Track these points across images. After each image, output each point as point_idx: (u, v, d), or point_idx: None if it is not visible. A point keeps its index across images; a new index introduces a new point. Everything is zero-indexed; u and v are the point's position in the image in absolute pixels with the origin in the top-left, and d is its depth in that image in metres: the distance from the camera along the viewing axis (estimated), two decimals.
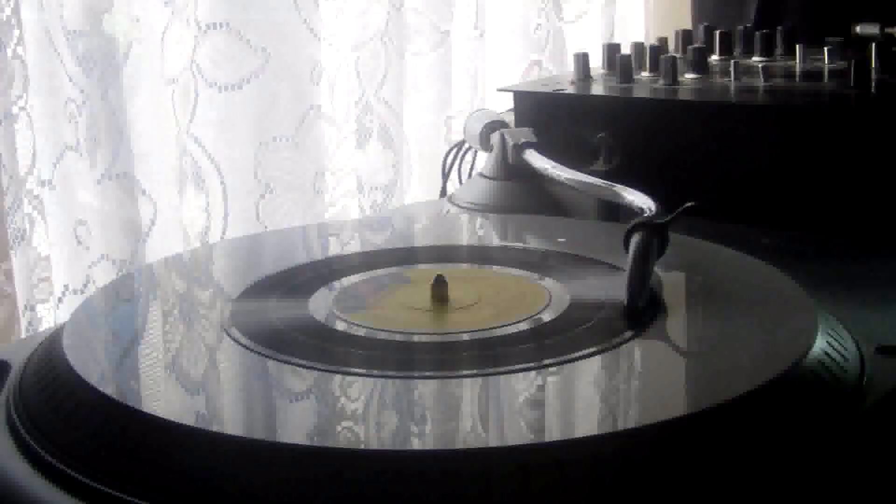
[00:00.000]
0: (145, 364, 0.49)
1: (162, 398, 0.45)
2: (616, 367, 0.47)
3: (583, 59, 0.88)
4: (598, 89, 0.85)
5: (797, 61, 0.89)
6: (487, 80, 1.22)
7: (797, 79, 0.85)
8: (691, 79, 0.85)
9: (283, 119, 0.99)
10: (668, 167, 0.77)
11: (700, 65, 0.86)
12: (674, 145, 0.77)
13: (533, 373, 0.45)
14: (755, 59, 0.92)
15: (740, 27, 0.99)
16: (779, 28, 0.96)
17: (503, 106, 0.87)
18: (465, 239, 0.71)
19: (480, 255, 0.63)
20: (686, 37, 0.99)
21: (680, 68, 0.84)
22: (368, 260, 0.60)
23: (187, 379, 0.47)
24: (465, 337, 0.49)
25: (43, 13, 0.83)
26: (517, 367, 0.45)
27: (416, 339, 0.50)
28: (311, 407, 0.44)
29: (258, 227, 0.98)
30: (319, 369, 0.46)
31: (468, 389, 0.45)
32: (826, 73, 0.84)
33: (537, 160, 0.75)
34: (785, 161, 0.72)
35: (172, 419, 0.41)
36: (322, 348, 0.48)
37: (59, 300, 0.86)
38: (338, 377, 0.45)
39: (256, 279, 0.57)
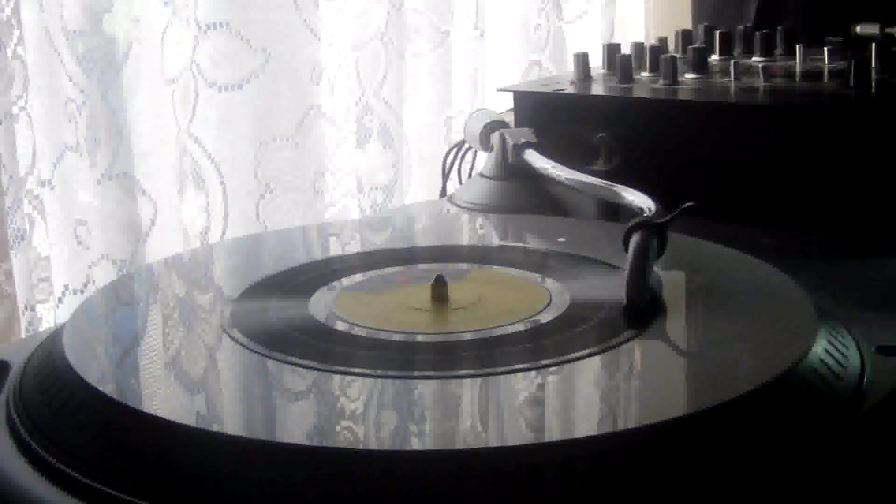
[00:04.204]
0: (145, 364, 0.49)
1: (162, 398, 0.45)
2: (616, 367, 0.47)
3: (583, 59, 0.88)
4: (598, 89, 0.85)
5: (797, 61, 0.89)
6: (487, 80, 1.22)
7: (797, 79, 0.85)
8: (691, 79, 0.85)
9: (283, 119, 0.99)
10: (668, 167, 0.77)
11: (700, 65, 0.86)
12: (674, 145, 0.77)
13: (533, 373, 0.45)
14: (755, 59, 0.92)
15: (740, 27, 0.99)
16: (779, 28, 0.96)
17: (503, 106, 0.87)
18: (465, 239, 0.71)
19: (480, 255, 0.63)
20: (686, 37, 0.99)
21: (680, 68, 0.84)
22: (368, 260, 0.60)
23: (187, 379, 0.47)
24: (465, 337, 0.49)
25: (43, 13, 0.83)
26: (517, 367, 0.45)
27: (416, 339, 0.50)
28: (310, 407, 0.44)
29: (258, 227, 0.98)
30: (319, 369, 0.46)
31: (468, 389, 0.45)
32: (826, 73, 0.84)
33: (537, 160, 0.75)
34: (785, 161, 0.72)
35: (172, 419, 0.41)
36: (322, 348, 0.48)
37: (59, 300, 0.86)
38: (338, 377, 0.45)
39: (256, 279, 0.57)
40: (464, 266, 0.60)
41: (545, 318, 0.51)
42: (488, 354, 0.47)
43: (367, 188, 1.11)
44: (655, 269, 0.54)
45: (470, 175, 0.93)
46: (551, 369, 0.45)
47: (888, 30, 0.93)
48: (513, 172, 0.78)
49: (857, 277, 0.61)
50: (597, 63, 0.91)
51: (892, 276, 0.61)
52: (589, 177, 0.71)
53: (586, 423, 0.43)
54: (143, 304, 0.58)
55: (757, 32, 0.94)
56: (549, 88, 0.85)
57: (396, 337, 0.49)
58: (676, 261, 0.57)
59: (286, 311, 0.53)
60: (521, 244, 0.67)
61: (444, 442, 0.41)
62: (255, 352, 0.47)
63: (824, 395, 0.44)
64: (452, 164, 0.93)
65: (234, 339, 0.49)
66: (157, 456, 0.40)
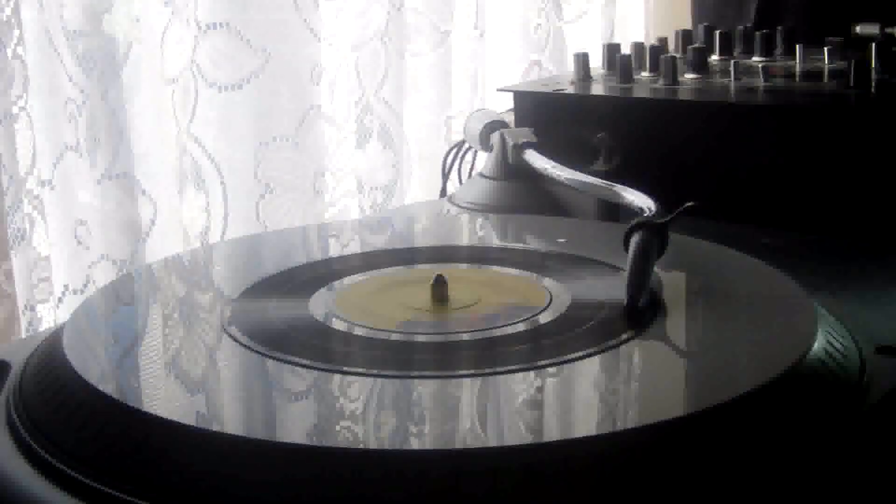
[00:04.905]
0: (145, 364, 0.49)
1: (162, 398, 0.45)
2: (616, 368, 0.47)
3: (583, 59, 0.88)
4: (598, 89, 0.85)
5: (797, 61, 0.89)
6: (487, 80, 1.22)
7: (797, 79, 0.85)
8: (691, 79, 0.85)
9: (283, 119, 0.99)
10: (668, 167, 0.77)
11: (700, 65, 0.86)
12: (674, 145, 0.77)
13: (533, 373, 0.45)
14: (755, 59, 0.93)
15: (740, 27, 0.99)
16: (779, 28, 0.96)
17: (503, 106, 0.87)
18: (465, 239, 0.71)
19: (480, 255, 0.63)
20: (686, 37, 0.99)
21: (680, 68, 0.85)
22: (368, 260, 0.60)
23: (187, 379, 0.47)
24: (465, 337, 0.49)
25: (43, 13, 0.83)
26: (517, 367, 0.45)
27: (415, 339, 0.50)
28: (310, 407, 0.44)
29: (258, 227, 0.98)
30: (319, 369, 0.46)
31: (468, 389, 0.45)
32: (826, 73, 0.84)
33: (537, 160, 0.75)
34: (785, 161, 0.73)
35: (172, 419, 0.41)
36: (322, 348, 0.48)
37: (59, 300, 0.86)
38: (337, 377, 0.45)
39: (256, 279, 0.57)
40: (464, 266, 0.60)
41: (545, 318, 0.51)
42: (488, 355, 0.47)
43: (367, 188, 1.11)
44: (655, 269, 0.54)
45: (470, 175, 0.93)
46: (551, 370, 0.45)
47: (888, 30, 0.93)
48: (513, 172, 0.78)
49: (857, 277, 0.61)
50: (597, 63, 0.91)
51: (892, 276, 0.61)
52: (589, 177, 0.71)
53: (587, 424, 0.43)
54: (143, 304, 0.58)
55: (757, 32, 0.94)
56: (549, 88, 0.85)
57: (396, 337, 0.49)
58: (676, 261, 0.57)
59: (286, 311, 0.52)
60: (521, 244, 0.67)
61: (444, 442, 0.41)
62: (255, 352, 0.47)
63: (824, 395, 0.44)
64: (452, 164, 0.93)
65: (233, 338, 0.49)
66: (157, 456, 0.40)
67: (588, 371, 0.46)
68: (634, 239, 0.54)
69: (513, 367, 0.45)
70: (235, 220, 0.97)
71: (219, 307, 0.54)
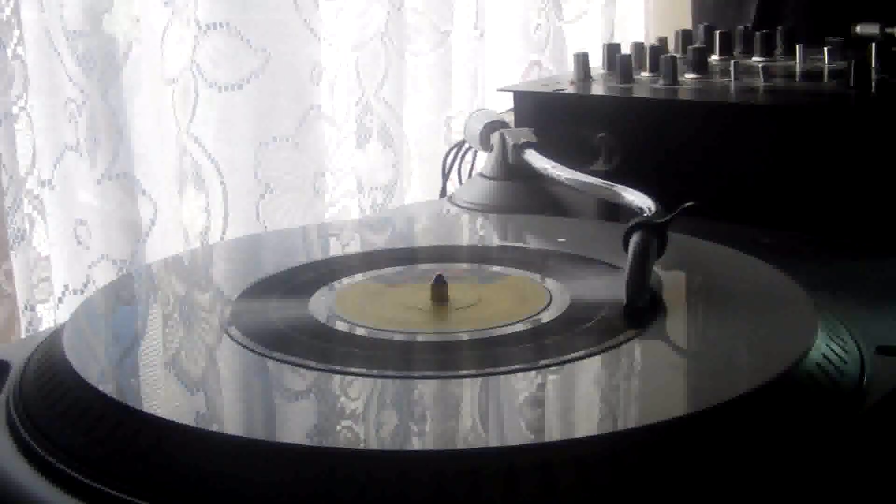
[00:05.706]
0: (145, 364, 0.49)
1: (162, 398, 0.45)
2: (616, 367, 0.47)
3: (583, 59, 0.88)
4: (598, 89, 0.85)
5: (797, 61, 0.89)
6: (487, 80, 1.22)
7: (797, 79, 0.85)
8: (691, 79, 0.85)
9: (283, 119, 0.99)
10: (668, 167, 0.77)
11: (700, 65, 0.86)
12: (674, 145, 0.77)
13: (533, 373, 0.45)
14: (755, 59, 0.92)
15: (740, 27, 0.99)
16: (779, 28, 0.96)
17: (503, 106, 0.87)
18: (465, 239, 0.71)
19: (480, 255, 0.63)
20: (686, 37, 0.99)
21: (680, 68, 0.84)
22: (368, 260, 0.60)
23: (187, 379, 0.47)
24: (465, 337, 0.49)
25: (43, 13, 0.83)
26: (517, 367, 0.45)
27: (416, 339, 0.50)
28: (310, 407, 0.44)
29: (258, 227, 0.98)
30: (319, 369, 0.46)
31: (468, 389, 0.45)
32: (826, 73, 0.84)
33: (537, 160, 0.75)
34: (785, 161, 0.72)
35: (172, 419, 0.41)
36: (322, 348, 0.48)
37: (59, 300, 0.86)
38: (338, 377, 0.45)
39: (256, 279, 0.57)
40: (464, 266, 0.60)
41: (545, 318, 0.51)
42: (488, 354, 0.47)
43: (367, 188, 1.11)
44: (655, 269, 0.54)
45: (470, 175, 0.93)
46: (551, 369, 0.45)
47: (888, 30, 0.93)
48: (513, 172, 0.78)
49: (857, 277, 0.61)
50: (597, 63, 0.91)
51: (892, 276, 0.61)
52: (589, 177, 0.71)
53: (586, 424, 0.43)
54: (143, 305, 0.58)
55: (757, 32, 0.94)
56: (549, 88, 0.85)
57: (396, 337, 0.49)
58: (676, 261, 0.57)
59: (286, 311, 0.52)
60: (521, 244, 0.67)
61: (444, 442, 0.41)
62: (255, 352, 0.47)
63: (824, 395, 0.44)
64: (452, 164, 0.93)
65: (233, 338, 0.49)
66: (156, 456, 0.40)
67: (587, 371, 0.46)
68: (634, 239, 0.54)
69: (513, 368, 0.45)
70: (235, 220, 0.97)
71: (219, 307, 0.54)
